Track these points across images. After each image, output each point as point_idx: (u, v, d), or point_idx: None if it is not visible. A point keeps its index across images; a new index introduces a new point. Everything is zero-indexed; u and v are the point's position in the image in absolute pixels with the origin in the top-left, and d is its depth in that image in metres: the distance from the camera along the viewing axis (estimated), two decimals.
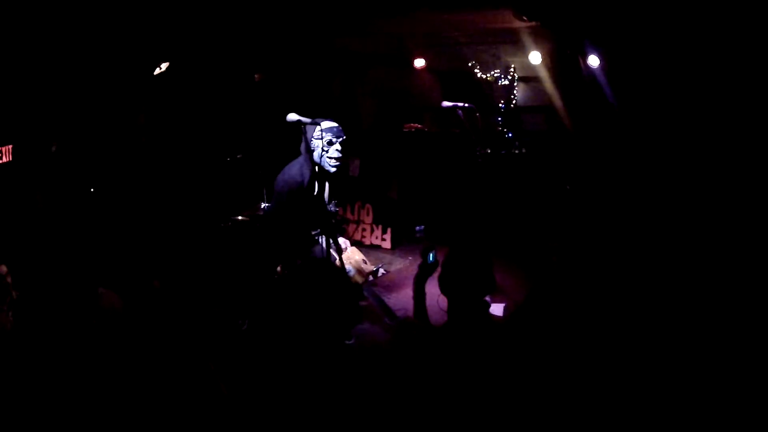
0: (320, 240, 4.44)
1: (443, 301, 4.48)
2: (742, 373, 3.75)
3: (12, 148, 4.56)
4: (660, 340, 4.38)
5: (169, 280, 5.29)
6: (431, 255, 4.24)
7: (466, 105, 5.74)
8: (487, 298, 4.95)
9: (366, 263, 4.80)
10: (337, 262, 4.26)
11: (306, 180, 4.33)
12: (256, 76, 7.16)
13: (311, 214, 4.40)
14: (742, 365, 3.87)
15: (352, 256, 4.74)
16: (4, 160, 4.52)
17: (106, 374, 3.89)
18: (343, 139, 4.45)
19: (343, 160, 4.49)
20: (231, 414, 3.66)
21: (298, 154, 4.46)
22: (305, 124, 4.15)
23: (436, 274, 4.60)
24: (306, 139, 4.38)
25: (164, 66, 6.34)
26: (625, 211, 6.60)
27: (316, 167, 4.41)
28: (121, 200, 5.68)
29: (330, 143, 4.41)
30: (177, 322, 4.73)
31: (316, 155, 4.40)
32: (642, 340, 4.37)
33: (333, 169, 4.47)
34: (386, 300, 5.40)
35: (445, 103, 5.70)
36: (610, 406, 3.59)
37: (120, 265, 5.18)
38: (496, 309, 5.15)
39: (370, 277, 5.05)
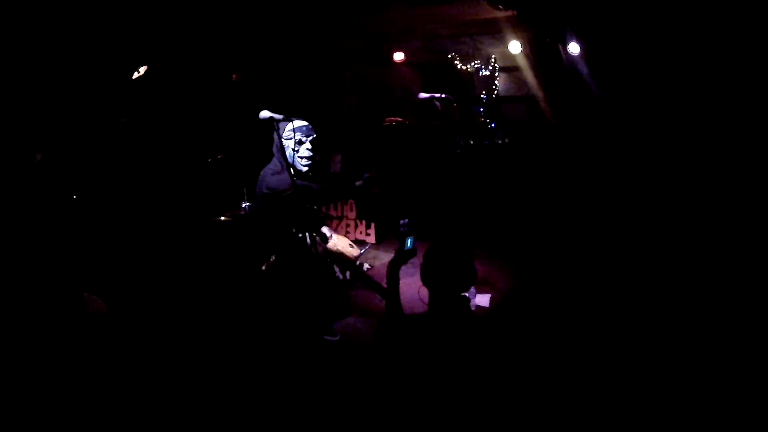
0: (304, 236, 4.41)
1: (424, 293, 4.46)
2: (733, 366, 3.75)
3: None
4: (646, 328, 4.39)
5: (151, 281, 5.26)
6: (409, 241, 4.21)
7: (443, 96, 5.74)
8: (472, 291, 4.95)
9: (353, 246, 4.78)
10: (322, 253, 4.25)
11: (284, 186, 4.28)
12: (234, 75, 7.12)
13: (293, 214, 4.37)
14: (730, 356, 3.87)
15: (338, 243, 4.73)
16: None
17: (96, 378, 3.88)
18: (313, 138, 4.42)
19: (314, 159, 4.45)
20: (214, 412, 3.64)
21: (272, 153, 4.44)
22: (278, 120, 4.13)
23: (417, 265, 4.58)
24: (277, 138, 4.35)
25: (143, 70, 6.31)
26: (609, 200, 6.60)
27: (291, 168, 4.37)
28: (104, 204, 5.64)
29: (300, 142, 4.38)
30: (159, 320, 4.72)
31: (288, 155, 4.37)
32: (629, 329, 4.37)
33: (305, 169, 4.44)
34: (368, 296, 5.40)
35: (422, 95, 5.71)
36: (597, 399, 3.58)
37: (103, 269, 5.15)
38: (482, 300, 5.15)
39: (358, 261, 5.03)
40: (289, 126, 4.35)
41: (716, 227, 5.63)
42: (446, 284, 4.03)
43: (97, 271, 5.06)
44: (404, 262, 4.38)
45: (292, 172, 4.33)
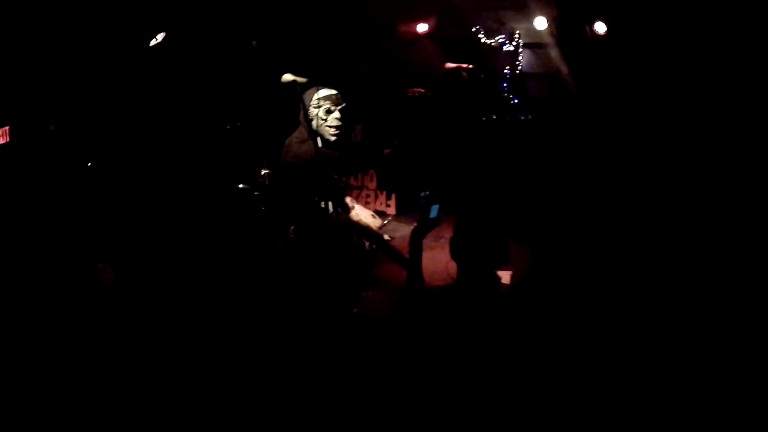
0: (326, 206, 4.34)
1: (453, 268, 4.37)
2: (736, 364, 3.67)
3: (9, 129, 4.49)
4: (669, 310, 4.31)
5: (166, 250, 5.21)
6: (434, 209, 4.09)
7: (470, 66, 5.63)
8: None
9: (375, 217, 4.71)
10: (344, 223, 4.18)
11: (310, 155, 4.18)
12: (253, 42, 7.01)
13: (315, 183, 4.28)
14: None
15: (360, 213, 4.66)
16: (2, 141, 4.47)
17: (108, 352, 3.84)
18: (342, 107, 4.31)
19: (343, 129, 4.35)
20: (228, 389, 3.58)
21: (297, 121, 4.34)
22: (300, 84, 4.04)
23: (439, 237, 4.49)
24: (304, 107, 4.24)
25: (160, 37, 6.21)
26: (630, 180, 6.52)
27: (318, 138, 4.26)
28: (118, 172, 5.59)
29: (328, 111, 4.30)
30: (172, 291, 4.66)
31: (314, 124, 4.25)
32: (654, 313, 4.30)
33: (333, 138, 4.35)
34: (389, 268, 5.33)
35: (449, 65, 5.61)
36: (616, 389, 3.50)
37: (117, 237, 5.11)
38: (503, 276, 5.06)
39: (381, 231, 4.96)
40: (317, 94, 4.25)
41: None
42: (478, 260, 3.94)
43: (111, 240, 5.03)
44: (427, 231, 4.27)
45: (319, 141, 4.24)
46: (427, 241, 5.67)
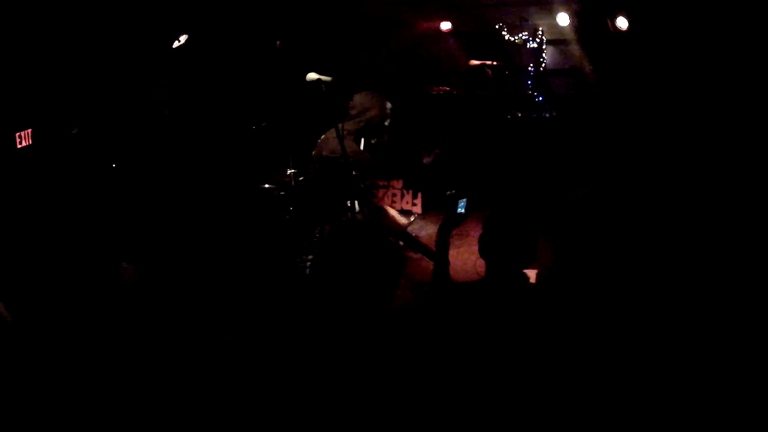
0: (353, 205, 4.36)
1: (481, 265, 4.35)
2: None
3: (32, 131, 4.54)
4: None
5: (192, 250, 5.25)
6: (461, 204, 4.08)
7: (495, 63, 5.61)
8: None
9: (402, 216, 4.74)
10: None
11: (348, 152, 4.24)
12: (277, 42, 7.04)
13: (344, 181, 4.31)
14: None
15: (387, 212, 4.68)
16: (25, 143, 4.51)
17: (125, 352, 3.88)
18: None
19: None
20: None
21: (323, 119, 4.40)
22: (325, 82, 4.08)
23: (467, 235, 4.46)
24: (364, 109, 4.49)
25: (183, 39, 6.26)
26: (653, 176, 6.46)
27: (362, 138, 4.58)
28: (144, 174, 5.64)
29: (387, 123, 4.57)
30: (197, 290, 4.69)
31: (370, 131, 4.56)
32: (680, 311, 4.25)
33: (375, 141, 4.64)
34: (415, 264, 5.36)
35: (473, 62, 5.58)
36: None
37: (141, 238, 5.15)
38: (529, 275, 5.03)
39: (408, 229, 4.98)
40: (389, 105, 4.55)
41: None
42: (506, 259, 3.90)
43: (135, 240, 5.07)
44: (455, 226, 4.26)
45: (362, 142, 4.30)
46: (454, 239, 5.68)
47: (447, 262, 4.33)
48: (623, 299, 4.42)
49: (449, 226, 4.39)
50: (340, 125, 4.13)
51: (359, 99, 4.55)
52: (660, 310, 4.28)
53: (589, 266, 5.21)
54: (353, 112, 4.53)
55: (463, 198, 4.19)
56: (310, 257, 4.61)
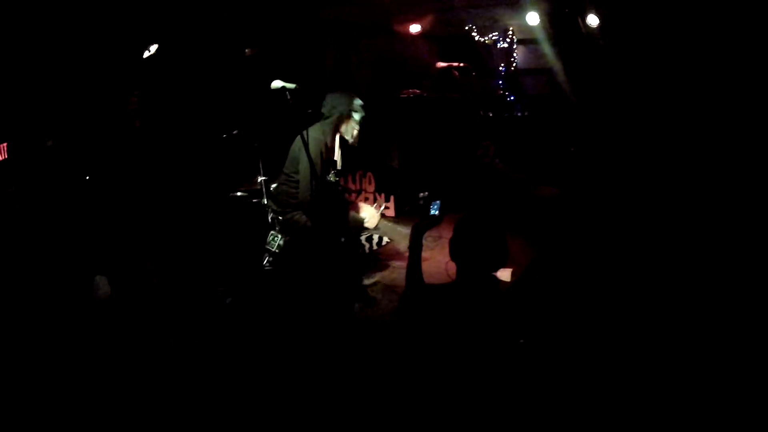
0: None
1: (452, 268, 4.34)
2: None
3: (6, 146, 4.51)
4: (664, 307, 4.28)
5: (164, 261, 5.21)
6: (435, 206, 4.10)
7: (461, 65, 5.62)
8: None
9: (374, 206, 4.98)
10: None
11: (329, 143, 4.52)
12: (247, 50, 7.01)
13: (316, 183, 4.31)
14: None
15: (361, 209, 4.89)
16: (0, 158, 4.48)
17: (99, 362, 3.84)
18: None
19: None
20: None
21: (291, 127, 4.42)
22: (289, 90, 4.12)
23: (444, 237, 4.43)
24: (333, 107, 4.55)
25: (153, 48, 6.21)
26: (628, 174, 6.48)
27: (337, 135, 4.65)
28: (116, 185, 5.58)
29: (360, 118, 4.66)
30: (168, 302, 4.68)
31: (343, 128, 4.65)
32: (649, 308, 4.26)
33: (352, 141, 4.71)
34: (390, 269, 5.34)
35: (440, 64, 5.59)
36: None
37: (114, 250, 5.10)
38: (503, 274, 5.03)
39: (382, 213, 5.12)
40: (356, 101, 4.61)
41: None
42: (476, 261, 3.90)
43: (108, 253, 5.03)
44: (429, 227, 4.26)
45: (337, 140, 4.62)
46: (427, 241, 5.67)
47: (419, 264, 4.32)
48: (599, 297, 4.42)
49: (422, 228, 4.39)
50: (304, 132, 4.11)
51: (329, 98, 4.64)
52: (636, 306, 4.29)
53: (564, 264, 5.21)
54: (324, 110, 4.56)
55: (437, 200, 4.22)
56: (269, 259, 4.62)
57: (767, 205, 5.29)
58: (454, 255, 3.97)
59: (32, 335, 4.08)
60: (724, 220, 5.34)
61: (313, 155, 4.16)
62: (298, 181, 4.45)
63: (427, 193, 5.64)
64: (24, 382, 3.62)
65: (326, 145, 4.48)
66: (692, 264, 4.84)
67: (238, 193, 5.29)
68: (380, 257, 5.66)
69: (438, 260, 4.96)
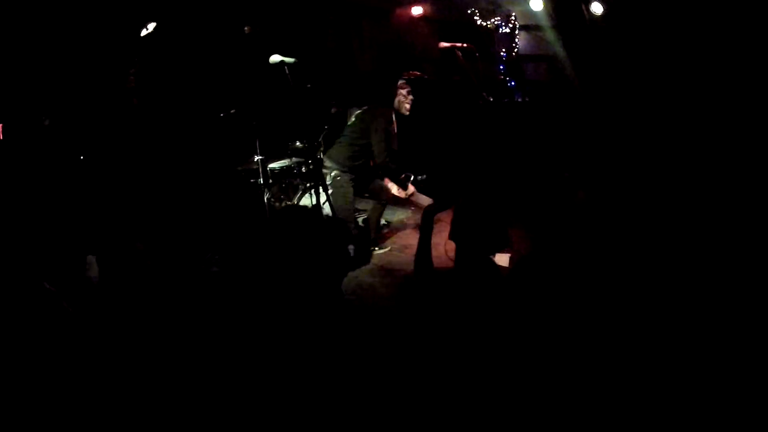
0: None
1: (451, 249, 4.32)
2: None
3: (2, 126, 4.46)
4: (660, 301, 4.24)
5: (158, 242, 5.16)
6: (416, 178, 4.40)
7: (465, 45, 5.55)
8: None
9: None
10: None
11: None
12: (246, 28, 6.92)
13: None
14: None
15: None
16: None
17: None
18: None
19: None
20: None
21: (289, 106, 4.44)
22: (288, 64, 4.10)
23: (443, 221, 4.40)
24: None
25: (151, 26, 6.13)
26: (627, 166, 6.44)
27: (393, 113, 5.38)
28: (114, 166, 5.52)
29: (409, 93, 5.58)
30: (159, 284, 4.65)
31: (395, 102, 5.47)
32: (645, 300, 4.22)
33: (407, 113, 5.54)
34: (386, 252, 5.32)
35: (443, 44, 5.52)
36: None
37: (108, 231, 5.05)
38: (502, 259, 4.99)
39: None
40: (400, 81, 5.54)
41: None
42: (476, 243, 3.88)
43: (102, 233, 4.98)
44: (440, 210, 4.29)
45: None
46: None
47: (429, 246, 4.32)
48: (593, 287, 4.39)
49: (434, 211, 4.41)
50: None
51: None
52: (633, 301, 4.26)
53: (561, 252, 5.17)
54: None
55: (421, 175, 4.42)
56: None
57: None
58: (454, 236, 3.94)
59: (23, 316, 4.03)
60: (723, 214, 5.31)
61: (385, 127, 5.22)
62: (362, 147, 5.22)
63: (425, 176, 5.60)
64: (17, 365, 3.55)
65: (390, 120, 5.36)
66: (690, 259, 4.82)
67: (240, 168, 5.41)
68: (378, 240, 5.61)
69: (437, 241, 4.93)
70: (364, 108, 5.44)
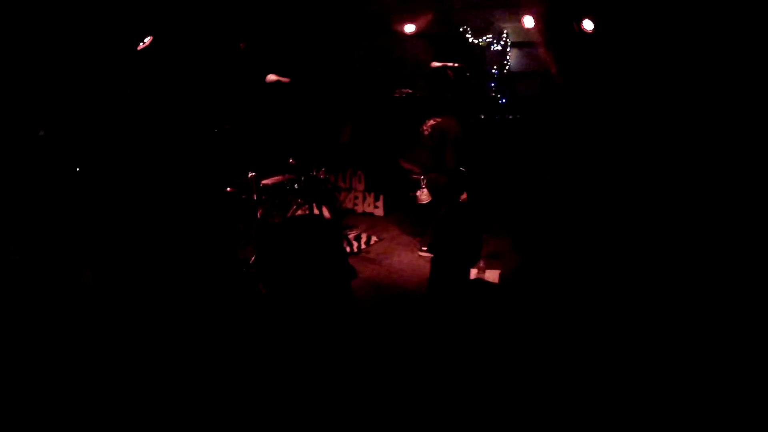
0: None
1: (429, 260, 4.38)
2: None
3: None
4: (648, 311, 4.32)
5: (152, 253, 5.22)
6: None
7: (456, 65, 5.63)
8: (481, 266, 4.87)
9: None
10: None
11: None
12: (241, 44, 7.00)
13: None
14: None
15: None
16: None
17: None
18: None
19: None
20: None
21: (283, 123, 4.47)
22: (284, 84, 4.15)
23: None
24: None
25: (148, 41, 6.20)
26: (616, 180, 6.51)
27: None
28: (108, 177, 5.58)
29: None
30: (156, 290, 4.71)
31: None
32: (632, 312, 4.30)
33: None
34: (376, 267, 5.37)
35: (435, 64, 5.61)
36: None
37: (103, 241, 5.11)
38: (491, 276, 5.06)
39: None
40: None
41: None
42: (453, 255, 3.94)
43: (96, 243, 5.03)
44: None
45: None
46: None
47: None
48: (583, 300, 4.46)
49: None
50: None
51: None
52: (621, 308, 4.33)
53: (551, 266, 5.24)
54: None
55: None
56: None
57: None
58: (431, 246, 4.02)
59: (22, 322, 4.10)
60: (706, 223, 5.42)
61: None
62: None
63: (417, 192, 5.68)
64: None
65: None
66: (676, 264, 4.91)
67: (228, 189, 5.35)
68: (368, 255, 5.67)
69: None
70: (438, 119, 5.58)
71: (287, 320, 4.17)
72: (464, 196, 4.84)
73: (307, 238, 4.49)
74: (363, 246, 5.89)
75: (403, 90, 7.36)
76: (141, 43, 6.17)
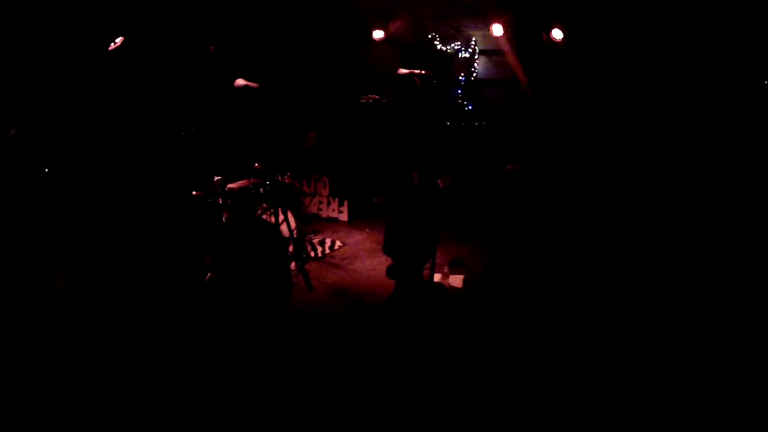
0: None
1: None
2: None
3: None
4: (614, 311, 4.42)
5: (120, 257, 5.20)
6: None
7: (423, 72, 5.70)
8: (445, 272, 4.94)
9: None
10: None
11: None
12: (211, 47, 6.99)
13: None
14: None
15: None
16: None
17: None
18: None
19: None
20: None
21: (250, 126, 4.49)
22: (253, 89, 4.17)
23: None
24: None
25: (119, 41, 6.18)
26: (584, 184, 6.62)
27: None
28: (76, 179, 5.54)
29: None
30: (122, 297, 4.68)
31: None
32: (600, 311, 4.40)
33: None
34: (341, 272, 5.41)
35: (402, 71, 5.66)
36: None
37: (71, 244, 5.08)
38: (455, 281, 5.14)
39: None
40: None
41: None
42: (408, 255, 3.98)
43: (66, 247, 5.00)
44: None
45: None
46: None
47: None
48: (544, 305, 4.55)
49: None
50: None
51: None
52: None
53: (516, 271, 5.33)
54: None
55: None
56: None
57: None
58: (385, 248, 4.08)
59: None
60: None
61: None
62: None
63: (381, 198, 5.72)
64: None
65: None
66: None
67: (194, 193, 5.34)
68: (332, 260, 5.72)
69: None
70: None
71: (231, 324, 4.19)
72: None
73: (249, 241, 4.50)
74: (327, 251, 5.94)
75: (370, 96, 7.41)
76: (112, 43, 6.15)
